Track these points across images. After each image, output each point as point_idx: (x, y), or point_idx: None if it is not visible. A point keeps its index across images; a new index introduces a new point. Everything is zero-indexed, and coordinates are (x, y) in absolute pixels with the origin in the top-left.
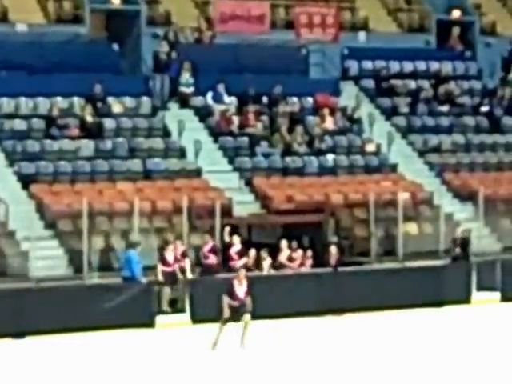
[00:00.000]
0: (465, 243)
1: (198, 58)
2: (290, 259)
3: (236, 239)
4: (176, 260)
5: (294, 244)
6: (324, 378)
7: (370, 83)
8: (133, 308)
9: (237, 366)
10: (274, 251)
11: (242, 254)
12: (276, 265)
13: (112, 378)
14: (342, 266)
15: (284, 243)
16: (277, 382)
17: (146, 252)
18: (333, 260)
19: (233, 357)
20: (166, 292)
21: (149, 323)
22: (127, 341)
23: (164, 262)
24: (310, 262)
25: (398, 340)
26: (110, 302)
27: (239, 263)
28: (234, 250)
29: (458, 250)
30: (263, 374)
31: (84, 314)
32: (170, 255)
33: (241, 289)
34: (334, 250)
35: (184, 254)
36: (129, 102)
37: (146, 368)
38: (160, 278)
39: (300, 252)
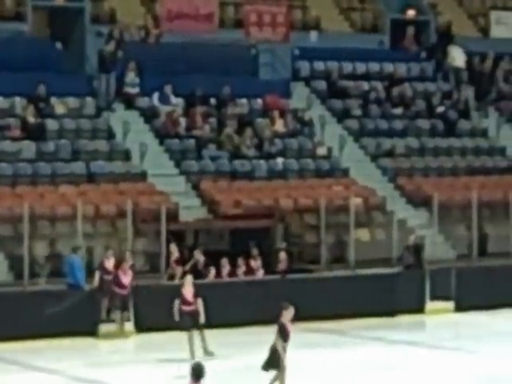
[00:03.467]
0: (418, 250)
1: (144, 58)
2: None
3: (174, 248)
4: (116, 267)
5: (255, 251)
6: None
7: (321, 84)
8: (75, 316)
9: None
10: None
11: (180, 262)
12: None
13: None
14: (290, 274)
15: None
16: None
17: (89, 257)
18: (282, 267)
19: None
20: (105, 301)
21: (92, 331)
22: (69, 349)
23: (103, 269)
24: (261, 271)
25: (348, 350)
26: (52, 310)
27: (178, 271)
28: (172, 259)
29: (410, 258)
30: None
31: (25, 321)
32: (109, 263)
33: (189, 293)
34: (282, 256)
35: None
36: (72, 102)
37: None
38: (97, 285)
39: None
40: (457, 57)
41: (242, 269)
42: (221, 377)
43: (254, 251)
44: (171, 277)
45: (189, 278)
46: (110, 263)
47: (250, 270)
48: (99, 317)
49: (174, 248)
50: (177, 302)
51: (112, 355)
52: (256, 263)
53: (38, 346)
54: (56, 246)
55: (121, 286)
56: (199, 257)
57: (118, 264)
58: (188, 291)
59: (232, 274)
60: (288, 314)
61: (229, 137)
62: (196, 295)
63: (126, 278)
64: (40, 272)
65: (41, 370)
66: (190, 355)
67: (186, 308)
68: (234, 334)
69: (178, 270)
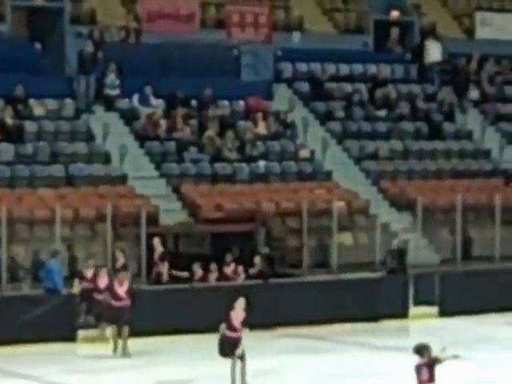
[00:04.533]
0: (401, 255)
1: (125, 59)
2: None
3: (157, 242)
4: (95, 276)
5: (229, 257)
6: None
7: (304, 86)
8: (53, 321)
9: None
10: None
11: (164, 258)
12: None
13: None
14: (272, 278)
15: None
16: None
17: (67, 262)
18: (255, 271)
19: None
20: (83, 308)
21: (70, 337)
22: (46, 354)
23: (82, 277)
24: (242, 276)
25: (331, 356)
26: (29, 315)
27: (164, 268)
28: (156, 255)
29: (394, 262)
30: None
31: (2, 327)
32: (89, 271)
33: (121, 289)
34: (257, 260)
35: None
36: (51, 104)
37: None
38: (76, 292)
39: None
40: (432, 51)
41: (214, 274)
42: None
43: (228, 257)
44: (157, 275)
45: (123, 275)
46: (89, 273)
47: (223, 276)
48: (77, 322)
49: (157, 242)
50: (107, 298)
51: (90, 361)
52: (229, 269)
53: (14, 351)
54: (35, 250)
55: (116, 297)
56: (197, 270)
57: (97, 273)
58: (121, 288)
59: (204, 279)
60: (238, 304)
61: (210, 139)
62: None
63: (122, 289)
64: (23, 276)
65: (18, 376)
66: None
67: (115, 303)
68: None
69: (164, 267)
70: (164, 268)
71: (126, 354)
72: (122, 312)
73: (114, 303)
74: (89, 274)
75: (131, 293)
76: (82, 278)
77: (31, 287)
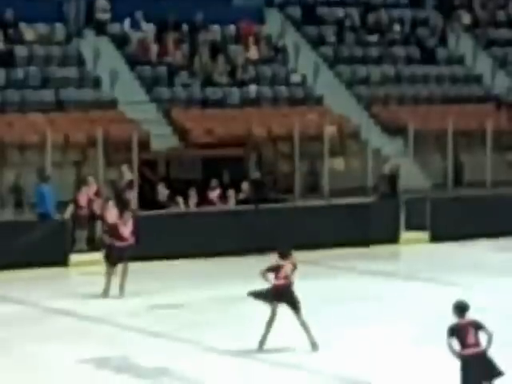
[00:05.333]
0: (393, 180)
1: None
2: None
3: (125, 169)
4: (90, 202)
5: (214, 182)
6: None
7: (295, 11)
8: (46, 246)
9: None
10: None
11: (133, 185)
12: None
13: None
14: (262, 203)
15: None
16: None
17: (59, 187)
18: (242, 197)
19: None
20: (80, 234)
21: (62, 261)
22: (39, 279)
23: (77, 205)
24: (232, 201)
25: (323, 280)
26: (22, 240)
27: (132, 196)
28: (123, 183)
29: (385, 187)
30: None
31: None
32: (83, 198)
33: (126, 229)
34: (245, 186)
35: (97, 193)
36: (42, 28)
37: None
38: (70, 218)
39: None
40: None
41: (193, 199)
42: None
43: (213, 182)
44: (124, 203)
45: (127, 215)
46: (84, 198)
47: (208, 201)
48: (70, 247)
49: (125, 169)
50: (108, 239)
51: (82, 286)
52: (214, 194)
53: (7, 277)
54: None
55: (120, 238)
56: (162, 190)
57: (97, 193)
58: (125, 228)
59: (200, 204)
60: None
61: (201, 64)
62: (134, 233)
63: (126, 230)
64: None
65: (10, 300)
66: (103, 293)
67: (119, 244)
68: (206, 264)
69: (131, 195)
70: (132, 195)
71: (121, 291)
72: (125, 252)
73: (118, 244)
74: (83, 201)
75: (136, 232)
76: (77, 205)
77: (22, 213)
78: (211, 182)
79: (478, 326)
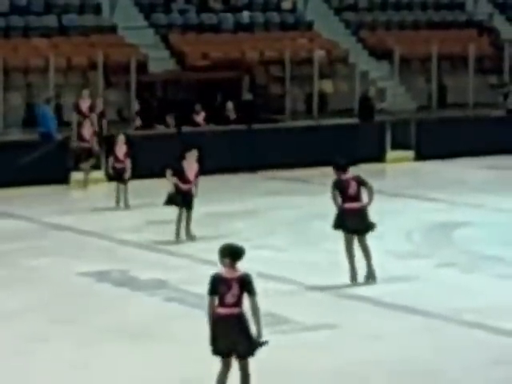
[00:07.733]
0: (369, 102)
1: None
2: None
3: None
4: (94, 134)
5: (198, 106)
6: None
7: None
8: (47, 164)
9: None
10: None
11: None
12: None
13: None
14: (253, 124)
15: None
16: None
17: (61, 108)
18: (228, 116)
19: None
20: (86, 165)
21: (63, 179)
22: (41, 196)
23: (81, 138)
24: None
25: (313, 197)
26: (24, 159)
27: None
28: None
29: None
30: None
31: None
32: (87, 131)
33: (120, 151)
34: (229, 106)
35: (102, 114)
36: None
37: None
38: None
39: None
40: None
41: (170, 120)
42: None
43: (197, 107)
44: (118, 172)
45: (121, 138)
46: (85, 104)
47: (194, 124)
48: (71, 165)
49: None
50: (110, 160)
51: (82, 202)
52: (199, 117)
53: (10, 194)
54: (29, 96)
55: (117, 160)
56: (170, 121)
57: (93, 107)
58: (120, 150)
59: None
60: (191, 155)
61: None
62: (128, 154)
63: (121, 152)
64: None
65: (11, 216)
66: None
67: (116, 165)
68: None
69: (128, 164)
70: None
71: (127, 205)
72: (123, 172)
73: (117, 165)
74: (87, 134)
75: (130, 153)
76: (81, 138)
77: (26, 133)
78: (195, 107)
79: (360, 181)
